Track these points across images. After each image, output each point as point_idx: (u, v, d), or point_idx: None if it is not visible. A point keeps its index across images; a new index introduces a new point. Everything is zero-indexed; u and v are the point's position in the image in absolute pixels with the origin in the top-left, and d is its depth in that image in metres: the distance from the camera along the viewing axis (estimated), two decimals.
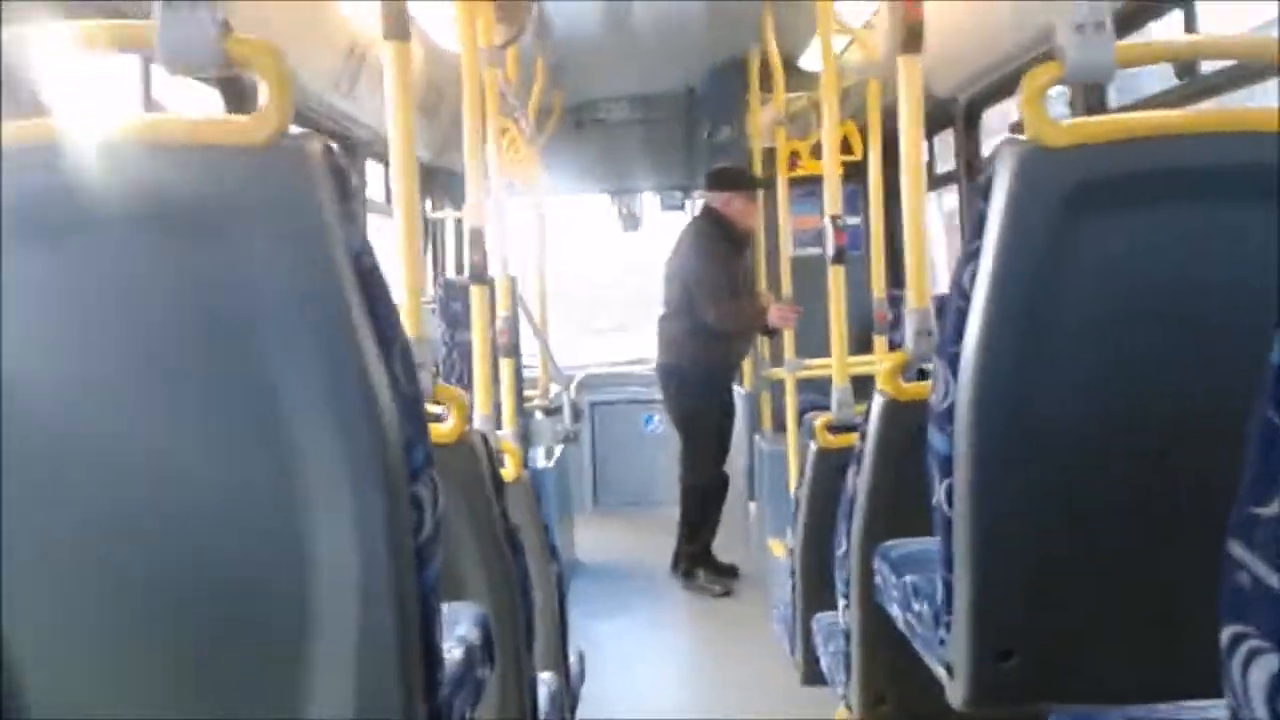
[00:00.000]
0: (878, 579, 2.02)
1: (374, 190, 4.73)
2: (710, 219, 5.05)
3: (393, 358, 1.26)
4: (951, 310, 1.55)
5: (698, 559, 5.12)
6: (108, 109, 1.32)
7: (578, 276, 7.90)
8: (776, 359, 5.20)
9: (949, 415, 1.53)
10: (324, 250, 1.19)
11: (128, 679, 1.25)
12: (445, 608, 1.46)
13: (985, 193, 1.52)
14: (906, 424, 2.16)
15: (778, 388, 5.21)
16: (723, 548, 5.22)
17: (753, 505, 5.69)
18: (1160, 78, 2.99)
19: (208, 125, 1.23)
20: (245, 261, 1.18)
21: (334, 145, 1.25)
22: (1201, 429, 1.44)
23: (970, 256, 1.53)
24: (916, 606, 1.76)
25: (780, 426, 5.12)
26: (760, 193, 5.23)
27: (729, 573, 5.13)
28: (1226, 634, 0.80)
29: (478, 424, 2.61)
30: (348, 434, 1.19)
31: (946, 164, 4.82)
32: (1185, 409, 1.47)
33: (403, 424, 1.25)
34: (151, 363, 1.22)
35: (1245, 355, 1.00)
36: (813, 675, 2.81)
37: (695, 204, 7.06)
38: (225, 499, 1.22)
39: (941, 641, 1.61)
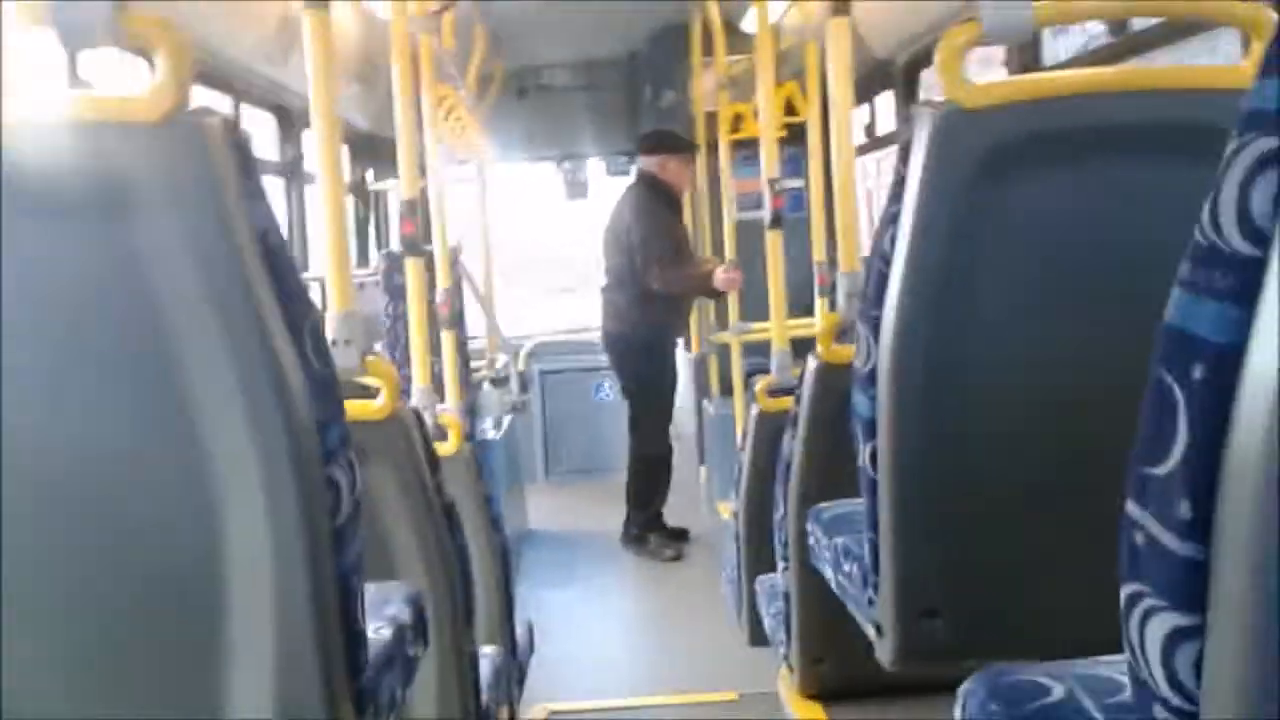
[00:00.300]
0: (811, 540, 2.03)
1: (312, 162, 4.66)
2: (646, 184, 5.03)
3: (303, 338, 1.24)
4: (873, 273, 1.56)
5: (649, 525, 5.14)
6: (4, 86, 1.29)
7: (524, 245, 7.85)
8: (723, 323, 5.21)
9: (872, 378, 1.54)
10: (226, 229, 1.17)
11: (40, 662, 1.23)
12: (374, 588, 1.45)
13: (904, 155, 1.52)
14: (840, 386, 2.16)
15: (724, 351, 5.23)
16: (674, 512, 5.25)
17: (703, 469, 5.72)
18: None
19: (102, 102, 1.21)
20: (146, 241, 1.16)
21: (234, 120, 1.22)
22: (1119, 390, 1.45)
23: (890, 220, 1.53)
24: (846, 567, 1.78)
25: (727, 390, 5.14)
26: (693, 154, 5.20)
27: (680, 536, 5.16)
28: (1125, 592, 0.81)
29: (416, 397, 2.59)
30: (257, 417, 1.17)
31: (888, 125, 4.83)
32: (1103, 369, 1.48)
33: (315, 405, 1.23)
34: (52, 346, 1.19)
35: (1162, 316, 1.02)
36: (758, 636, 2.84)
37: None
38: (135, 484, 1.20)
39: (870, 601, 1.63)
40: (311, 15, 2.02)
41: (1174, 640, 0.75)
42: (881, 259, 1.53)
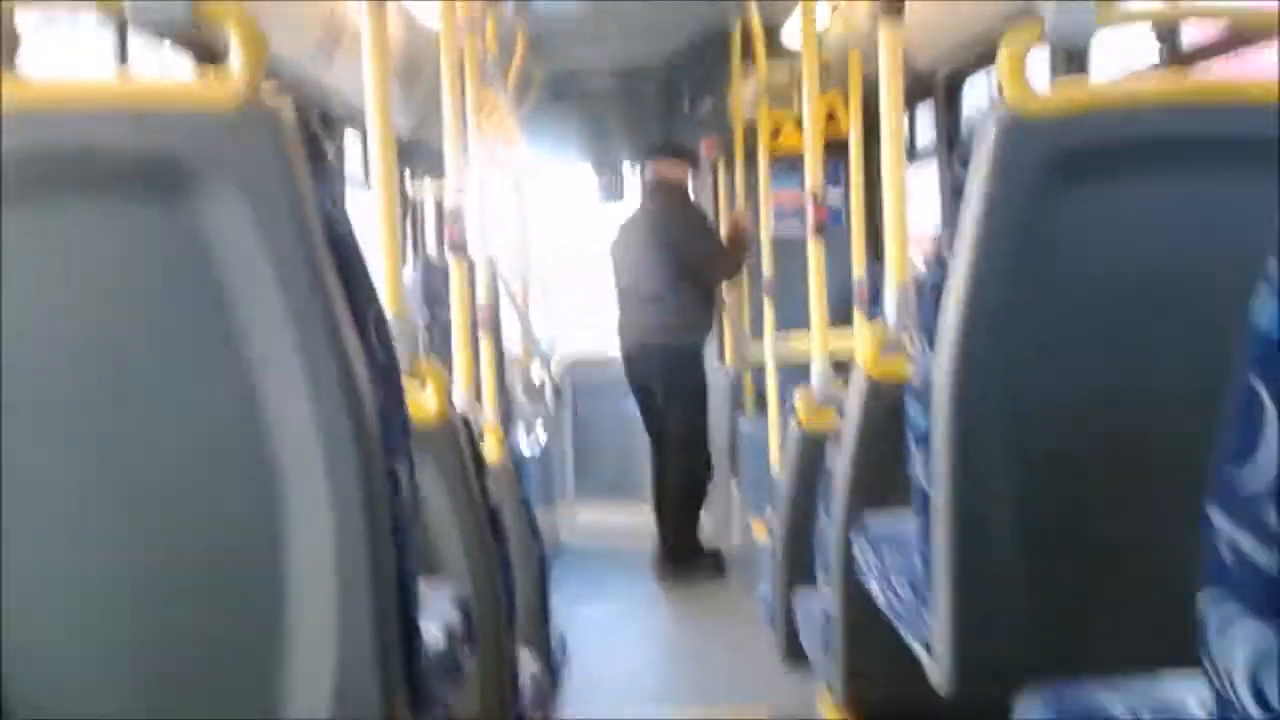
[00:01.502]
0: (857, 556, 2.01)
1: (352, 165, 4.68)
2: (679, 190, 5.09)
3: (367, 326, 1.24)
4: (929, 284, 1.54)
5: (695, 550, 4.99)
6: (79, 71, 1.30)
7: (560, 252, 7.82)
8: (757, 334, 5.19)
9: (927, 390, 1.52)
10: (295, 213, 1.17)
11: (101, 651, 1.24)
12: (423, 586, 1.45)
13: (965, 161, 1.50)
14: (887, 401, 2.15)
15: (758, 365, 5.20)
16: (705, 529, 5.20)
17: (734, 484, 5.69)
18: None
19: (178, 88, 1.22)
20: (216, 224, 1.17)
21: (307, 111, 1.23)
22: (1183, 400, 1.43)
23: (948, 227, 1.51)
24: (896, 584, 1.75)
25: (762, 404, 5.11)
26: None
27: (718, 557, 5.05)
28: (1205, 597, 0.79)
29: (458, 404, 2.59)
30: (321, 403, 1.17)
31: (927, 138, 4.80)
32: (1168, 381, 1.46)
33: (378, 395, 1.23)
34: (122, 325, 1.20)
35: (1230, 327, 0.99)
36: (794, 654, 2.81)
37: None
38: (198, 467, 1.20)
39: (922, 619, 1.61)
40: (370, 11, 2.02)
41: (1260, 652, 0.74)
42: (940, 267, 1.51)
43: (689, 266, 4.91)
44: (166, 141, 1.18)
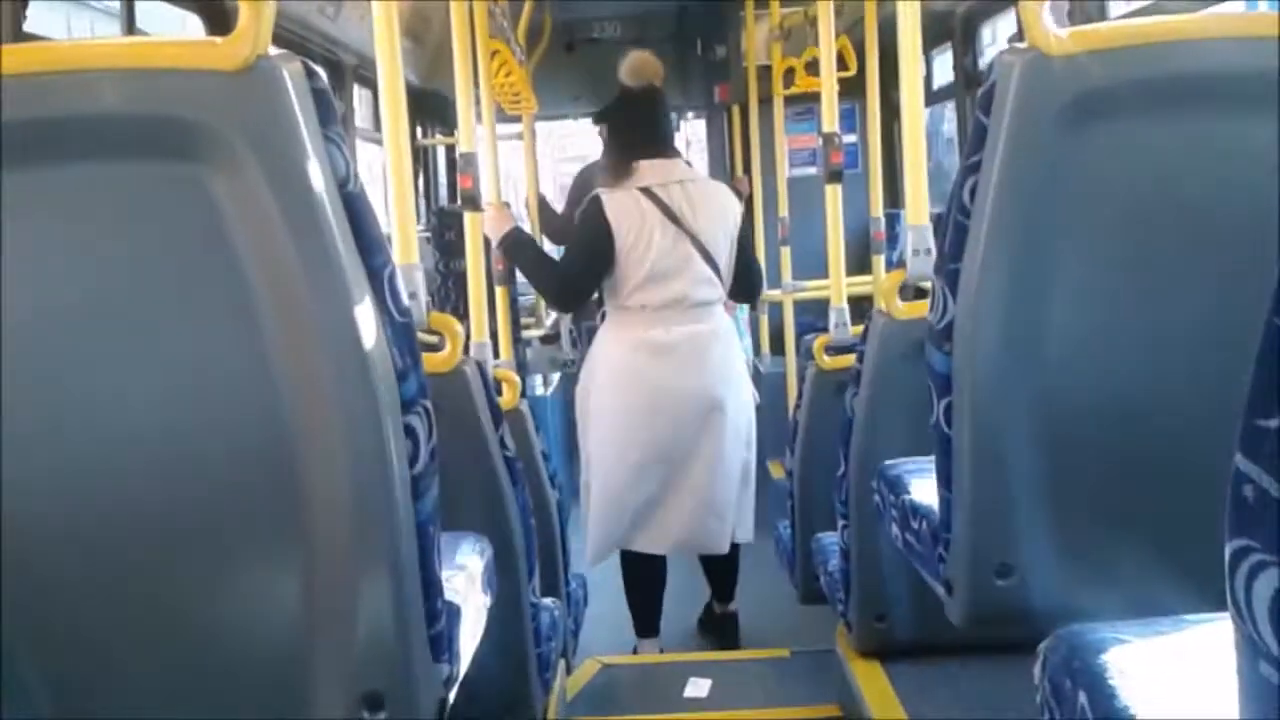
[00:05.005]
0: (876, 498, 2.02)
1: (362, 116, 4.66)
2: None
3: (380, 285, 1.24)
4: (950, 226, 1.52)
5: None
6: (85, 34, 1.29)
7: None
8: (773, 281, 5.17)
9: (948, 333, 1.51)
10: (305, 174, 1.16)
11: (121, 603, 1.25)
12: (445, 536, 1.46)
13: (985, 104, 1.48)
14: (904, 343, 2.14)
15: (774, 309, 5.19)
16: None
17: None
18: None
19: (184, 48, 1.20)
20: (226, 183, 1.16)
21: (316, 67, 1.22)
22: (1208, 339, 1.42)
23: (970, 170, 1.49)
24: (915, 525, 1.76)
25: (777, 349, 5.11)
26: None
27: None
28: (1231, 547, 0.79)
29: (473, 353, 2.59)
30: (336, 364, 1.17)
31: (944, 79, 4.74)
32: (1192, 319, 1.45)
33: (394, 353, 1.23)
34: (131, 285, 1.20)
35: (1253, 265, 0.98)
36: (811, 594, 2.83)
37: (689, 125, 6.96)
38: (215, 430, 1.21)
39: (940, 559, 1.61)
40: None
41: None
42: (961, 210, 1.49)
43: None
44: (173, 102, 1.17)
